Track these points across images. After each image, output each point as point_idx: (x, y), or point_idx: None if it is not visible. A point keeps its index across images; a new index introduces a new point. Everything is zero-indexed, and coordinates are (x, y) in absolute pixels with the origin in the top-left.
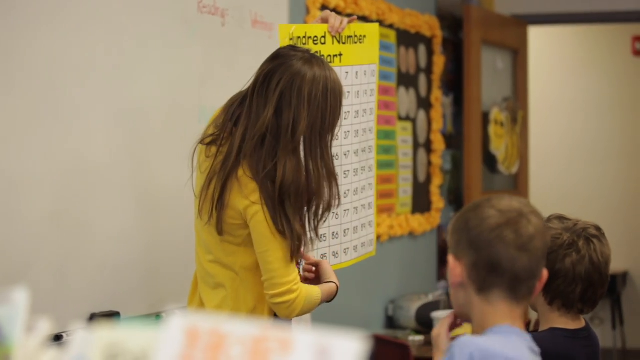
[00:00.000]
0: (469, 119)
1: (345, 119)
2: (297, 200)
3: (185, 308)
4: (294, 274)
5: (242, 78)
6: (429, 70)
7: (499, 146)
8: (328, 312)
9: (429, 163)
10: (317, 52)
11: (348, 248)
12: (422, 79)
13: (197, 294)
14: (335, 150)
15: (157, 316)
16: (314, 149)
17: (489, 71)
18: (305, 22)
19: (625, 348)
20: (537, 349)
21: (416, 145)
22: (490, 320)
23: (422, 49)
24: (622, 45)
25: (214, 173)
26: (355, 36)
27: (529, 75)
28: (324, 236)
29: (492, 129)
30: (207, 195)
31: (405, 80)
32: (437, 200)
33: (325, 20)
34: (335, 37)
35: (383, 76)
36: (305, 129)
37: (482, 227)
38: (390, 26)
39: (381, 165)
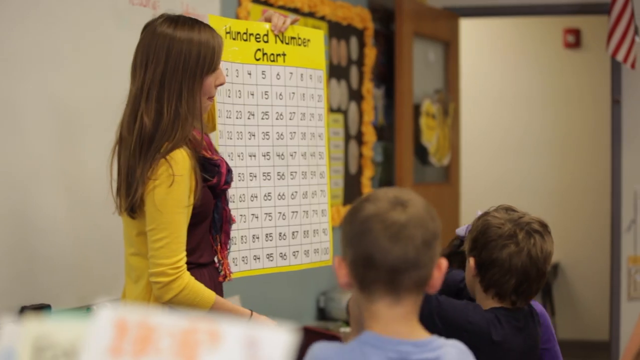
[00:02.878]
0: (400, 111)
1: (290, 119)
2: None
3: (117, 301)
4: (175, 258)
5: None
6: (360, 62)
7: (431, 138)
8: (259, 304)
9: (360, 155)
10: (259, 49)
11: (297, 251)
12: (354, 71)
13: None
14: (281, 149)
15: (88, 309)
16: (170, 93)
17: (420, 63)
18: (236, 14)
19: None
20: (415, 357)
21: (347, 137)
22: (367, 323)
23: (353, 41)
24: (553, 37)
25: (120, 163)
26: (299, 38)
27: (461, 68)
28: (270, 236)
29: (424, 121)
30: (118, 184)
31: (337, 72)
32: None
33: (268, 20)
34: (278, 36)
35: None
36: (161, 75)
37: (354, 222)
38: (322, 18)
39: None
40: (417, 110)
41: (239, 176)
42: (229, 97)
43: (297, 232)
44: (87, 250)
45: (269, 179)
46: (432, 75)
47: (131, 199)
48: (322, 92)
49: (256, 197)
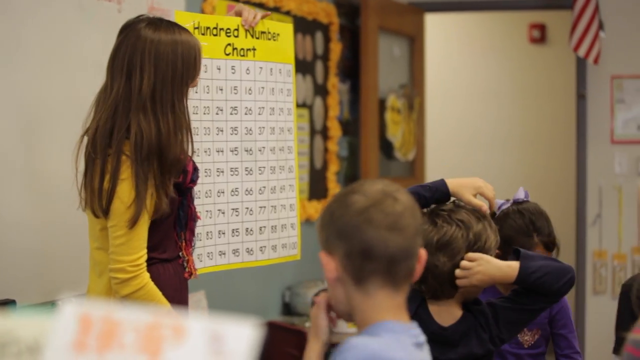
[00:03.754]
0: (365, 106)
1: (259, 114)
2: (151, 158)
3: (82, 296)
4: (134, 256)
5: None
6: (325, 57)
7: (396, 133)
8: (224, 299)
9: (326, 150)
10: (230, 44)
11: (265, 246)
12: (319, 66)
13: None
14: (249, 144)
15: (53, 304)
16: (164, 105)
17: (385, 58)
18: (201, 9)
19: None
20: (422, 339)
21: (313, 132)
22: (372, 315)
23: (319, 35)
24: (518, 32)
25: (86, 160)
26: (269, 32)
27: (426, 62)
28: (237, 231)
29: (389, 116)
30: (84, 181)
31: (302, 67)
32: (334, 187)
33: (239, 14)
34: (249, 30)
35: None
36: (153, 85)
37: (348, 214)
38: (287, 13)
39: None
40: (382, 105)
41: (206, 172)
42: (196, 92)
43: (264, 227)
44: (52, 245)
45: (236, 174)
46: (397, 70)
47: (99, 197)
48: (291, 87)
49: (223, 192)
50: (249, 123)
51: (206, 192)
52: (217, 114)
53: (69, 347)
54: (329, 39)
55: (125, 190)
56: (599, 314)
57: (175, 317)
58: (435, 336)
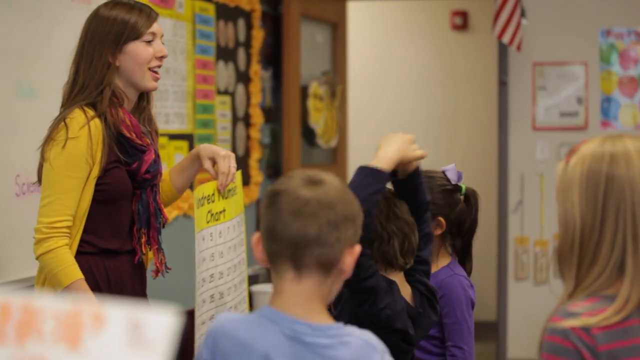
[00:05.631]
0: (287, 93)
1: (227, 275)
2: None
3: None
4: (53, 218)
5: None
6: (247, 44)
7: (318, 120)
8: (149, 287)
9: (248, 137)
10: (209, 210)
11: None
12: (241, 53)
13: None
14: (220, 309)
15: None
16: (85, 61)
17: (308, 45)
18: None
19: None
20: (308, 340)
21: (235, 119)
22: (271, 298)
23: (241, 22)
24: (441, 20)
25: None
26: (233, 189)
27: (349, 50)
28: None
29: (311, 103)
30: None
31: (224, 54)
32: (256, 174)
33: (211, 158)
34: (221, 193)
35: (202, 50)
36: (81, 47)
37: (265, 196)
38: (209, 0)
39: (199, 139)
40: (304, 92)
41: None
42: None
43: None
44: None
45: None
46: (319, 57)
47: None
48: (243, 236)
49: None
50: (221, 287)
51: None
52: (202, 285)
53: None
54: (251, 26)
55: (52, 153)
56: (521, 300)
57: (96, 305)
58: (413, 321)
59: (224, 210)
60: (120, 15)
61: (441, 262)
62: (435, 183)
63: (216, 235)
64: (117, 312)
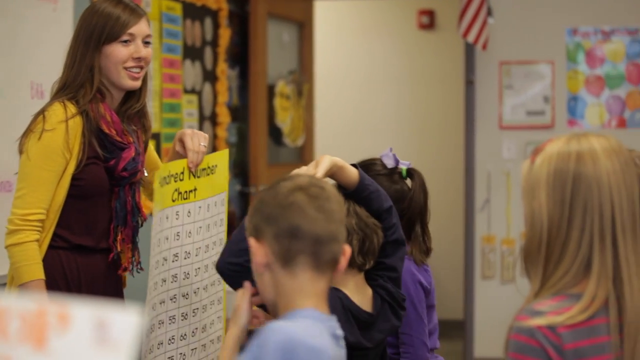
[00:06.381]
0: (254, 92)
1: (196, 255)
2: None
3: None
4: (26, 211)
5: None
6: (214, 43)
7: (285, 119)
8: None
9: (215, 136)
10: (176, 189)
11: (196, 348)
12: (208, 52)
13: None
14: (186, 289)
15: None
16: (71, 61)
17: (274, 44)
18: None
19: None
20: (340, 333)
21: (202, 118)
22: (294, 299)
23: (208, 21)
24: (408, 18)
25: None
26: (209, 167)
27: (316, 48)
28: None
29: (278, 102)
30: None
31: (191, 53)
32: None
33: (181, 142)
34: (192, 171)
35: (169, 49)
36: (69, 47)
37: (276, 197)
38: None
39: (166, 138)
40: (271, 91)
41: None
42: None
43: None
44: None
45: (173, 322)
46: (286, 56)
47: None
48: (223, 215)
49: (162, 344)
50: (187, 267)
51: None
52: (162, 264)
53: None
54: (218, 25)
55: (29, 144)
56: (487, 299)
57: (61, 304)
58: (364, 324)
59: (194, 189)
60: (102, 17)
61: None
62: (373, 170)
63: (183, 214)
64: (83, 311)
